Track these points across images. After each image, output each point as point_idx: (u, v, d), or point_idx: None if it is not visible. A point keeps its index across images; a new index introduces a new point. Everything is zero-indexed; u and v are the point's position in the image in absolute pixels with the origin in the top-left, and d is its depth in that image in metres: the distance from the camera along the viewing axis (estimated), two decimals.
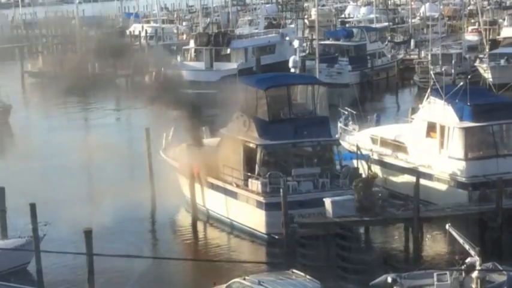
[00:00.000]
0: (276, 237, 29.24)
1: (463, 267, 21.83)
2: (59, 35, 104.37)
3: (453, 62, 61.14)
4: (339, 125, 39.13)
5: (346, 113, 39.57)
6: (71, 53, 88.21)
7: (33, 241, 26.65)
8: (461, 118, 31.93)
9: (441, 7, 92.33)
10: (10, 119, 55.71)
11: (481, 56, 63.17)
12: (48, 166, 42.26)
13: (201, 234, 33.15)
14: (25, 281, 26.65)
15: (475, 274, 21.23)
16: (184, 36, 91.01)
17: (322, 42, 63.78)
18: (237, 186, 31.57)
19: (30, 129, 54.93)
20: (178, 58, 69.50)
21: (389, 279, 22.74)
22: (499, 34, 76.09)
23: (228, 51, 68.67)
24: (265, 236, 30.20)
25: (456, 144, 31.46)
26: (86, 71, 69.58)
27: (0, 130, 52.87)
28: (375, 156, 34.99)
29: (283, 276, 21.98)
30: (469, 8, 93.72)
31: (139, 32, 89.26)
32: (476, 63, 61.21)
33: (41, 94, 61.06)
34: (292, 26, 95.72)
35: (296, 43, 38.54)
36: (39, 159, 43.16)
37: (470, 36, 72.66)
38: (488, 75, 57.56)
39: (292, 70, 35.75)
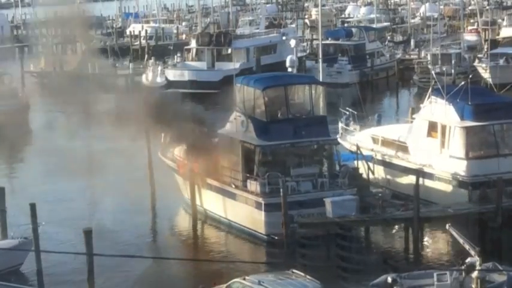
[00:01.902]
0: (276, 237, 29.21)
1: (463, 267, 21.81)
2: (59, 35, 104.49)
3: (453, 62, 61.15)
4: (340, 125, 39.12)
5: (347, 113, 39.55)
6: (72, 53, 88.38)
7: (26, 242, 26.72)
8: (462, 117, 31.91)
9: (441, 7, 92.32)
10: (29, 118, 55.21)
11: (479, 55, 63.20)
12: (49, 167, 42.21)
13: (200, 235, 33.14)
14: (25, 281, 26.69)
15: (475, 274, 21.19)
16: (184, 36, 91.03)
17: (322, 42, 63.77)
18: (236, 187, 31.53)
19: (48, 129, 53.13)
20: (176, 58, 69.55)
21: (390, 279, 22.71)
22: (498, 34, 76.13)
23: (229, 51, 68.66)
24: (265, 236, 30.16)
25: (457, 144, 31.45)
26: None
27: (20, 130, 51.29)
28: (377, 157, 34.98)
29: (283, 276, 21.95)
30: (469, 8, 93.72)
31: (139, 32, 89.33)
32: (476, 63, 61.23)
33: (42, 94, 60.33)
34: (293, 26, 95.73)
35: (293, 43, 38.39)
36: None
37: (470, 36, 72.66)
38: (487, 75, 57.59)
39: (290, 70, 35.69)
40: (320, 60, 50.50)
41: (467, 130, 31.43)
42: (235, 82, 34.19)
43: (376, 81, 69.47)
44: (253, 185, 30.63)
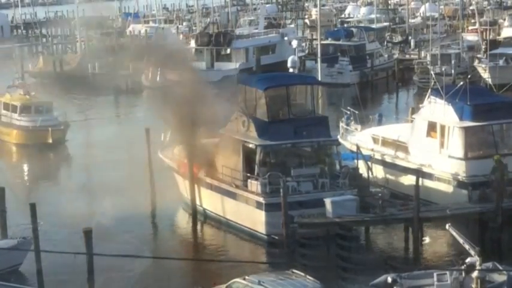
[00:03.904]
0: (276, 237, 29.22)
1: (463, 267, 21.82)
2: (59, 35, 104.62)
3: (453, 62, 61.16)
4: (341, 124, 39.18)
5: (348, 112, 39.61)
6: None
7: (24, 242, 26.72)
8: (461, 118, 31.95)
9: (441, 7, 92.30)
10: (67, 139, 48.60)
11: (479, 56, 63.25)
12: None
13: (200, 235, 33.17)
14: (25, 280, 26.69)
15: (475, 274, 21.21)
16: (180, 36, 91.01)
17: (322, 42, 63.77)
18: (237, 186, 31.54)
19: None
20: None
21: (390, 279, 22.73)
22: (499, 34, 76.13)
23: (229, 51, 68.67)
24: (265, 236, 30.19)
25: (456, 144, 31.48)
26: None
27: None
28: (377, 156, 35.04)
29: (283, 276, 21.96)
30: (470, 8, 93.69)
31: (139, 32, 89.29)
32: (476, 63, 61.26)
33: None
34: (292, 26, 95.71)
35: (294, 43, 38.44)
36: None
37: (470, 36, 72.72)
38: (487, 75, 57.62)
39: (291, 70, 35.73)
40: (319, 60, 50.47)
41: (466, 130, 31.47)
42: (237, 82, 34.26)
43: (376, 81, 69.54)
44: (254, 185, 30.65)
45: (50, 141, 46.96)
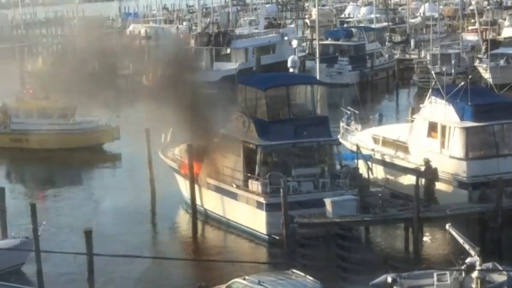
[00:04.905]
0: (277, 237, 29.23)
1: (463, 267, 21.81)
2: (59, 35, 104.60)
3: (453, 62, 61.18)
4: (341, 124, 39.17)
5: (348, 112, 39.60)
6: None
7: (27, 242, 26.73)
8: (462, 118, 31.95)
9: (441, 7, 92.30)
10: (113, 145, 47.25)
11: (479, 56, 63.29)
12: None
13: (201, 235, 33.16)
14: (25, 281, 26.70)
15: (475, 274, 21.20)
16: (181, 36, 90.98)
17: (321, 42, 63.74)
18: (237, 187, 31.54)
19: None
20: None
21: (390, 279, 22.72)
22: (499, 34, 76.15)
23: (228, 51, 68.61)
24: (266, 236, 30.19)
25: (457, 144, 31.48)
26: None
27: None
28: (377, 156, 35.05)
29: (283, 276, 21.97)
30: (470, 8, 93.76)
31: (139, 31, 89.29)
32: (476, 63, 61.28)
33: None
34: (292, 26, 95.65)
35: (295, 43, 38.46)
36: None
37: (470, 37, 72.75)
38: (487, 75, 57.66)
39: (291, 70, 35.74)
40: (317, 60, 50.47)
41: (467, 131, 31.47)
42: (237, 82, 34.26)
43: (376, 81, 69.55)
44: (255, 185, 30.66)
45: (113, 140, 46.47)
